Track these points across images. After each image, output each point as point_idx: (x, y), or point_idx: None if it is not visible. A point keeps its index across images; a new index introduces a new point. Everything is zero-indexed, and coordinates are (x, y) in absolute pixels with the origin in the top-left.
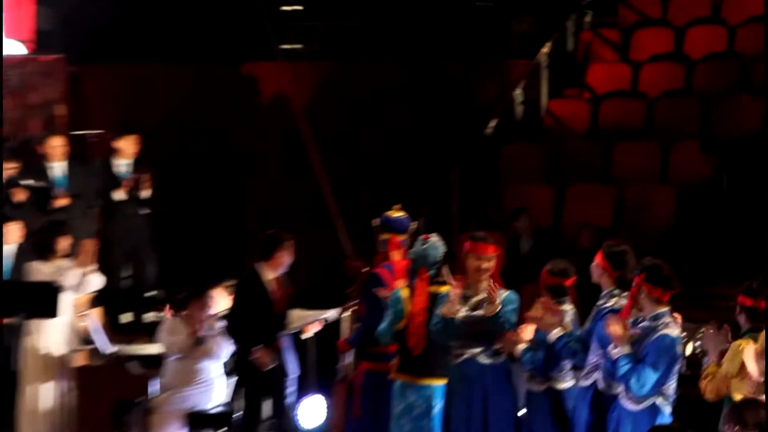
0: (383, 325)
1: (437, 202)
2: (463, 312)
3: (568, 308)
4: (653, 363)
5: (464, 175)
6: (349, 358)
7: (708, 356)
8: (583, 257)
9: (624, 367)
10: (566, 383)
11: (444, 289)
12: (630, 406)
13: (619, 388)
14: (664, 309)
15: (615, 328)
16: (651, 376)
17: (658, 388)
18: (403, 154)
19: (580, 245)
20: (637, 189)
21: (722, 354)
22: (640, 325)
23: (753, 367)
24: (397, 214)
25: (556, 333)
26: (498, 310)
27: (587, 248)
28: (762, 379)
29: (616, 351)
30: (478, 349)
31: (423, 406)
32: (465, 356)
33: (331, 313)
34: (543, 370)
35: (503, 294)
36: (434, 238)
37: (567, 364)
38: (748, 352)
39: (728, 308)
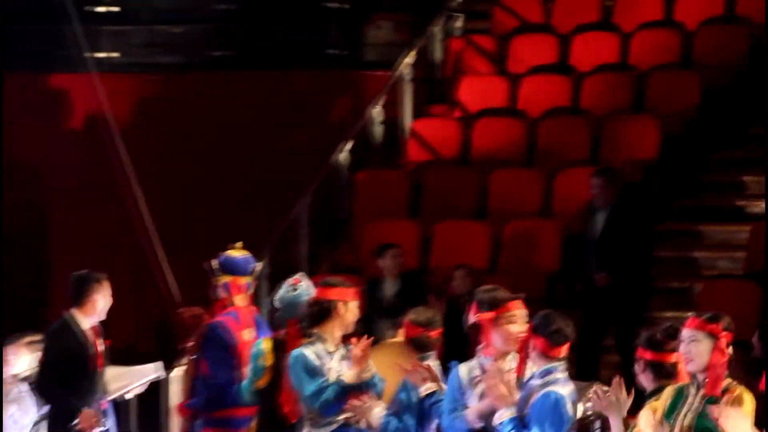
0: (244, 383)
1: (282, 239)
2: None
3: (434, 364)
4: (539, 425)
5: (314, 207)
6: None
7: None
8: (455, 303)
9: None
10: None
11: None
12: None
13: None
14: (555, 364)
15: (496, 386)
16: None
17: None
18: (241, 181)
19: (451, 290)
20: (517, 224)
21: (625, 422)
22: (529, 382)
23: None
24: (238, 253)
25: (426, 388)
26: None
27: (460, 293)
28: None
29: (498, 414)
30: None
31: None
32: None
33: (158, 371)
34: None
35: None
36: (305, 282)
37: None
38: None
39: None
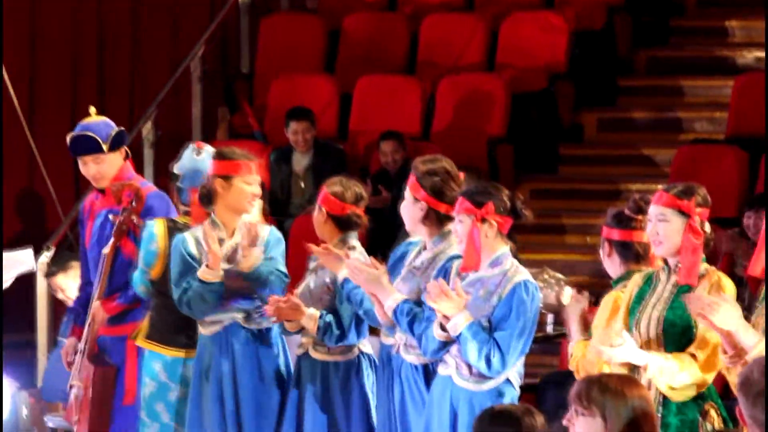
0: (135, 273)
1: (169, 99)
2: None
3: (357, 245)
4: (514, 321)
5: (207, 60)
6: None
7: (568, 330)
8: (384, 178)
9: (473, 346)
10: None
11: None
12: (473, 387)
13: (450, 368)
14: (506, 247)
15: (439, 294)
16: (514, 347)
17: (518, 359)
18: (119, 30)
19: (376, 164)
20: (454, 80)
21: (586, 326)
22: (477, 276)
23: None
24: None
25: (343, 274)
26: (258, 261)
27: (389, 168)
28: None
29: (453, 324)
30: (239, 314)
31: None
32: (224, 323)
33: (28, 260)
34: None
35: (263, 234)
36: (210, 148)
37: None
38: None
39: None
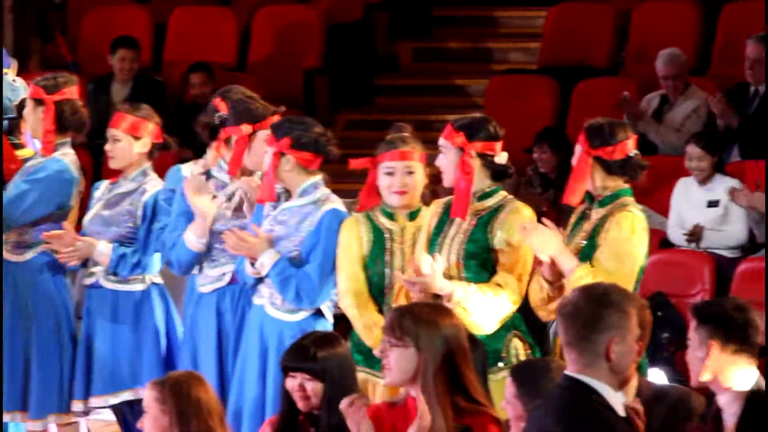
0: None
1: None
2: None
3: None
4: (327, 256)
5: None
6: None
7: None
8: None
9: (282, 282)
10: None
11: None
12: (286, 317)
13: (263, 298)
14: (318, 178)
15: (236, 242)
16: (325, 277)
17: (330, 288)
18: None
19: (188, 95)
20: (270, 10)
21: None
22: (287, 206)
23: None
24: None
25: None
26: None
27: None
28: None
29: (260, 263)
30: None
31: None
32: None
33: None
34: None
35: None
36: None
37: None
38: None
39: None
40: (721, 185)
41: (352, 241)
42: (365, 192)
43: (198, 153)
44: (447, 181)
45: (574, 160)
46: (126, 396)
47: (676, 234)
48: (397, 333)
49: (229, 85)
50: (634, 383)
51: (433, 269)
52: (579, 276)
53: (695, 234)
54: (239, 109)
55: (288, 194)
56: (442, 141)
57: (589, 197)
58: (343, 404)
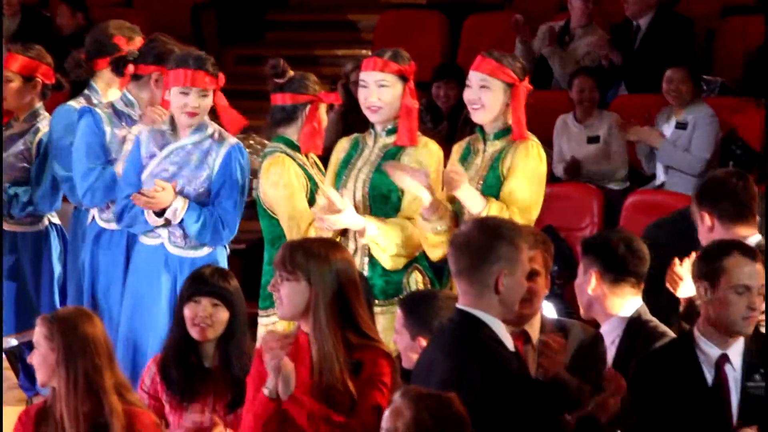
0: None
1: None
2: None
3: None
4: (235, 192)
5: None
6: None
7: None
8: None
9: (198, 226)
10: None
11: None
12: (190, 253)
13: (160, 238)
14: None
15: (145, 200)
16: (235, 212)
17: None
18: None
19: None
20: None
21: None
22: (178, 145)
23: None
24: None
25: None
26: None
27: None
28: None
29: (172, 211)
30: None
31: None
32: None
33: None
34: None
35: None
36: None
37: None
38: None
39: None
40: (602, 121)
41: (292, 178)
42: (309, 133)
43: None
44: (387, 114)
45: (474, 94)
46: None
47: (559, 169)
48: (288, 267)
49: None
50: (537, 319)
51: (344, 205)
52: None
53: (572, 167)
54: (161, 50)
55: (174, 132)
56: (380, 75)
57: (481, 131)
58: (268, 340)
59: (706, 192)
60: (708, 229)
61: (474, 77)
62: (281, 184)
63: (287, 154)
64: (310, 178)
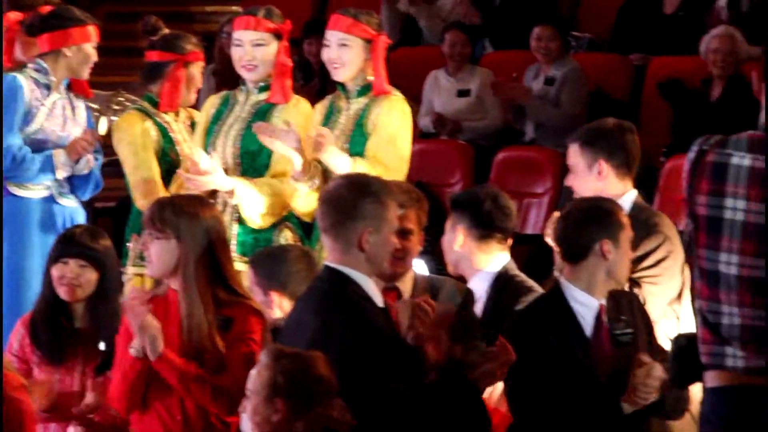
0: None
1: None
2: None
3: None
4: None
5: None
6: None
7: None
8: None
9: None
10: None
11: None
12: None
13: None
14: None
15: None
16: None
17: None
18: None
19: None
20: None
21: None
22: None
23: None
24: None
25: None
26: None
27: None
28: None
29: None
30: None
31: None
32: None
33: None
34: None
35: None
36: None
37: None
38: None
39: None
40: (473, 76)
41: (136, 135)
42: (167, 91)
43: None
44: (263, 73)
45: (334, 53)
46: None
47: (426, 122)
48: (157, 225)
49: None
50: (410, 276)
51: (212, 166)
52: None
53: (440, 122)
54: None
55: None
56: (256, 34)
57: (343, 89)
58: (129, 299)
59: (601, 139)
60: (599, 176)
61: (332, 36)
62: (125, 140)
63: (145, 112)
64: (165, 135)
